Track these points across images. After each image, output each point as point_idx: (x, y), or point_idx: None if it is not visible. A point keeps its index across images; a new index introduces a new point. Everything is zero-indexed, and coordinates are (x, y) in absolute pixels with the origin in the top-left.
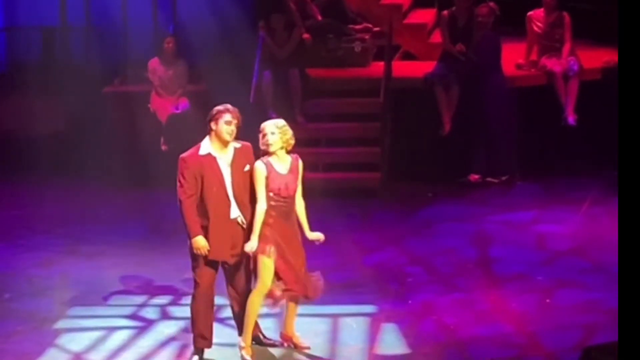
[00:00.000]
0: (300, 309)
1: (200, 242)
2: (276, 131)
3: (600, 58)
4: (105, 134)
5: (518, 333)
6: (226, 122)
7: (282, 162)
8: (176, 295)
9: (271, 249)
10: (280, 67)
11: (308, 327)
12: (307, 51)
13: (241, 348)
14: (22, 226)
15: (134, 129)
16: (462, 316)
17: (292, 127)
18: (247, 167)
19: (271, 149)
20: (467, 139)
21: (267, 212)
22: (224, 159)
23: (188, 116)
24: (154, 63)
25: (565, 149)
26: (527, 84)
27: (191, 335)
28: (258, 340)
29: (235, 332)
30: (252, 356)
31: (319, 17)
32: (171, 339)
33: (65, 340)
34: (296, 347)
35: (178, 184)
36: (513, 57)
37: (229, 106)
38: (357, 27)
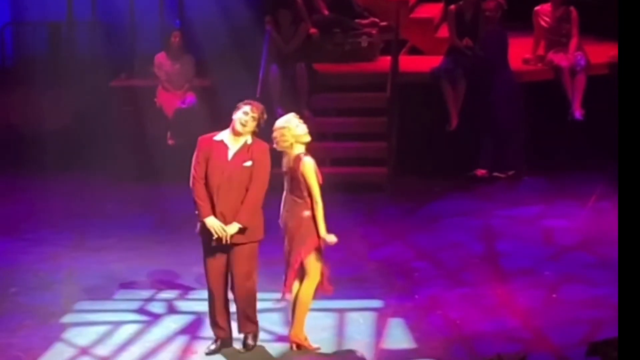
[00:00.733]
0: None
1: (210, 221)
2: (276, 133)
3: (607, 53)
4: (112, 128)
5: (524, 328)
6: (243, 112)
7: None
8: (183, 290)
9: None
10: (287, 62)
11: (314, 321)
12: (314, 46)
13: (299, 342)
14: (29, 220)
15: (141, 124)
16: (469, 311)
17: None
18: (248, 164)
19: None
20: (474, 134)
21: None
22: (233, 149)
23: (194, 111)
24: (161, 57)
25: (572, 144)
26: (534, 78)
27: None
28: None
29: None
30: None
31: (326, 12)
32: (178, 333)
33: (71, 334)
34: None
35: (192, 163)
36: (520, 52)
37: (254, 102)
38: (364, 21)
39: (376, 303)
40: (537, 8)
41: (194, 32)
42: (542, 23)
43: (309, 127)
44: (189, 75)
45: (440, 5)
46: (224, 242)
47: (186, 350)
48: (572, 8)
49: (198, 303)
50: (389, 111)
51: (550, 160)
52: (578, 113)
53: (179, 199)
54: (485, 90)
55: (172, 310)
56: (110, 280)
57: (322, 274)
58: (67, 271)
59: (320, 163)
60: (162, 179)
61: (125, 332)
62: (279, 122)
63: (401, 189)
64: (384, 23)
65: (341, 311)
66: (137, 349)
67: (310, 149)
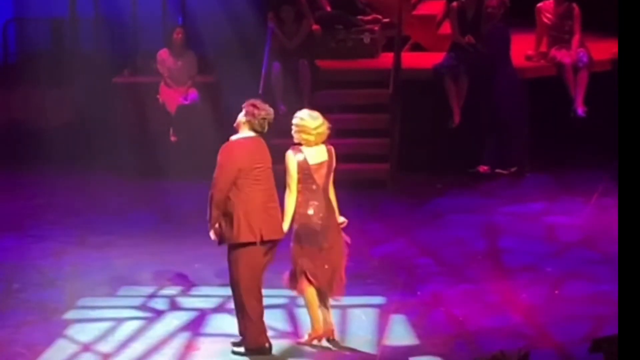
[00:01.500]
0: None
1: None
2: (293, 127)
3: (609, 49)
4: (115, 124)
5: (527, 324)
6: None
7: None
8: (185, 286)
9: None
10: (289, 58)
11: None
12: (317, 42)
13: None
14: (32, 217)
15: (143, 120)
16: (471, 307)
17: None
18: None
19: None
20: (476, 130)
21: None
22: None
23: (197, 107)
24: (163, 54)
25: (574, 141)
26: (536, 75)
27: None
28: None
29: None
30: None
31: (328, 8)
32: (180, 330)
33: (74, 330)
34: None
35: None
36: (522, 49)
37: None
38: (367, 18)
39: (379, 299)
40: (539, 5)
41: (196, 28)
42: (545, 20)
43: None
44: (191, 72)
45: (443, 2)
46: None
47: (188, 347)
48: (574, 5)
49: (200, 300)
50: (392, 108)
51: (553, 156)
52: (580, 110)
53: (182, 195)
54: (488, 87)
55: (174, 306)
56: (113, 276)
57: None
58: (70, 268)
59: None
60: (165, 175)
61: (127, 329)
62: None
63: (404, 186)
64: (386, 20)
65: (343, 307)
66: (140, 345)
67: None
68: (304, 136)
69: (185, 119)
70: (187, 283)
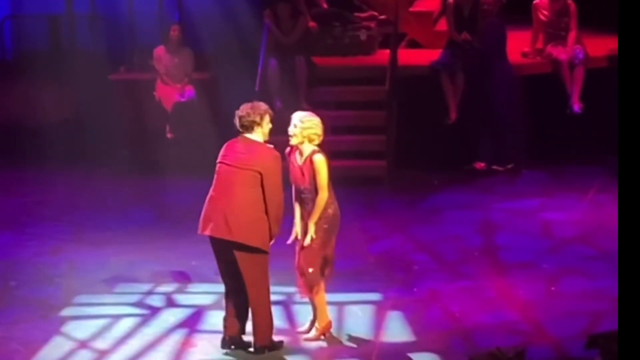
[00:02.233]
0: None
1: None
2: (298, 124)
3: (605, 46)
4: (111, 121)
5: (523, 321)
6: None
7: (302, 155)
8: (182, 283)
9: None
10: (286, 55)
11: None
12: (313, 39)
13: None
14: (29, 214)
15: (140, 117)
16: (468, 304)
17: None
18: None
19: (292, 141)
20: (473, 127)
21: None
22: None
23: (193, 104)
24: (160, 51)
25: (570, 137)
26: (532, 72)
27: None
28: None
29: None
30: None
31: (325, 5)
32: (177, 327)
33: (71, 327)
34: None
35: None
36: (519, 45)
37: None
38: (363, 15)
39: (375, 296)
40: (535, 1)
41: (192, 25)
42: (541, 16)
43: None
44: (187, 69)
45: None
46: None
47: (185, 344)
48: (570, 1)
49: (197, 296)
50: (388, 104)
51: (549, 153)
52: (577, 106)
53: (178, 192)
54: (484, 84)
55: (171, 304)
56: (109, 273)
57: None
58: (66, 264)
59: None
60: (162, 172)
61: (124, 326)
62: (304, 116)
63: (400, 182)
64: (382, 16)
65: (340, 304)
66: (136, 342)
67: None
68: (319, 133)
69: (181, 115)
70: (183, 280)
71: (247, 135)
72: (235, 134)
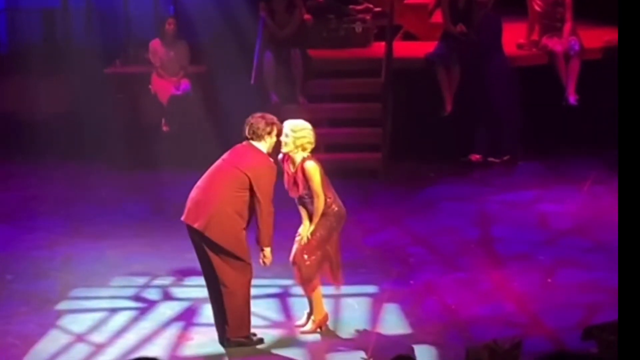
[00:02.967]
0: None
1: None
2: (290, 134)
3: (601, 37)
4: (107, 115)
5: (520, 312)
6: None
7: (295, 163)
8: (178, 277)
9: None
10: (281, 48)
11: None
12: (308, 32)
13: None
14: (25, 207)
15: (135, 110)
16: (464, 296)
17: (293, 108)
18: None
19: (283, 150)
20: (469, 119)
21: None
22: None
23: (189, 97)
24: (155, 44)
25: (566, 129)
26: (528, 63)
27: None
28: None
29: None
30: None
31: None
32: (173, 320)
33: (67, 321)
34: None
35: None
36: (514, 37)
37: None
38: (358, 7)
39: (371, 288)
40: None
41: (188, 18)
42: (536, 8)
43: (303, 114)
44: (183, 62)
45: None
46: None
47: (181, 337)
48: None
49: (193, 290)
50: (384, 97)
51: (545, 145)
52: (572, 98)
53: (174, 185)
54: (480, 76)
55: (167, 297)
56: (105, 267)
57: None
58: (63, 258)
59: (315, 149)
60: (158, 166)
61: (120, 319)
62: (297, 125)
63: (396, 175)
64: (378, 9)
65: (336, 297)
66: (133, 335)
67: None
68: (312, 141)
69: (177, 109)
70: (180, 273)
71: (253, 142)
72: (232, 128)
